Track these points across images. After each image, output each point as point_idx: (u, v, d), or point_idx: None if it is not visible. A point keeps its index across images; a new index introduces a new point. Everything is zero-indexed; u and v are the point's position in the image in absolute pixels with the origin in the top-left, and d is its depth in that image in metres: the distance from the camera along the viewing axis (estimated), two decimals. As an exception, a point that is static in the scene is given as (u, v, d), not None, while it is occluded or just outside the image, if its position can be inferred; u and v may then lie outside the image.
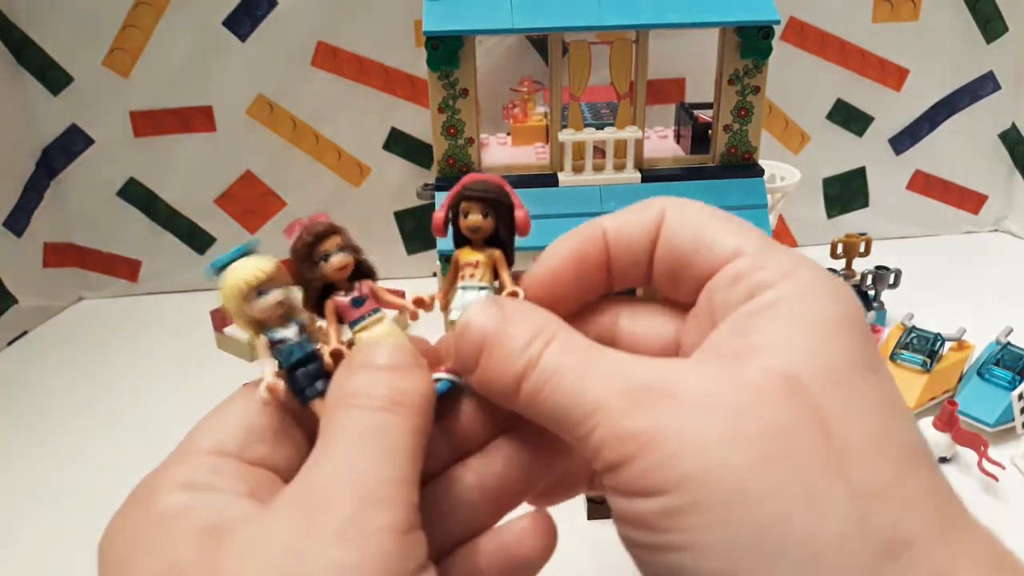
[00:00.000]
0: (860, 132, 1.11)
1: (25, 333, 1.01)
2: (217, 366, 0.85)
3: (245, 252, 0.28)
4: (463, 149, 0.77)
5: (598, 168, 0.78)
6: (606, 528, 0.67)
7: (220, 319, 0.93)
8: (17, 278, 1.00)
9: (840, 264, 0.92)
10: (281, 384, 0.26)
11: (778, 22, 0.73)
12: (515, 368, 0.24)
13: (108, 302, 1.09)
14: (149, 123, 1.01)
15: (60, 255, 1.07)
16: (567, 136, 0.76)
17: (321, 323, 0.29)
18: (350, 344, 0.28)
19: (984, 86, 1.10)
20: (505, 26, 0.72)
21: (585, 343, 0.24)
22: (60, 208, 1.04)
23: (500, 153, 0.86)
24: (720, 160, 0.79)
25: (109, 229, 1.07)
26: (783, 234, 1.15)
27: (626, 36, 0.75)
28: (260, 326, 0.27)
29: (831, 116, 1.09)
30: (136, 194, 1.05)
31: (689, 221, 0.27)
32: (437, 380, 0.27)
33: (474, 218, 0.30)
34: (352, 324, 0.28)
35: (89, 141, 1.01)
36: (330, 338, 0.28)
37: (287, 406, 0.27)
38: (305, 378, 0.27)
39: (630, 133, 0.77)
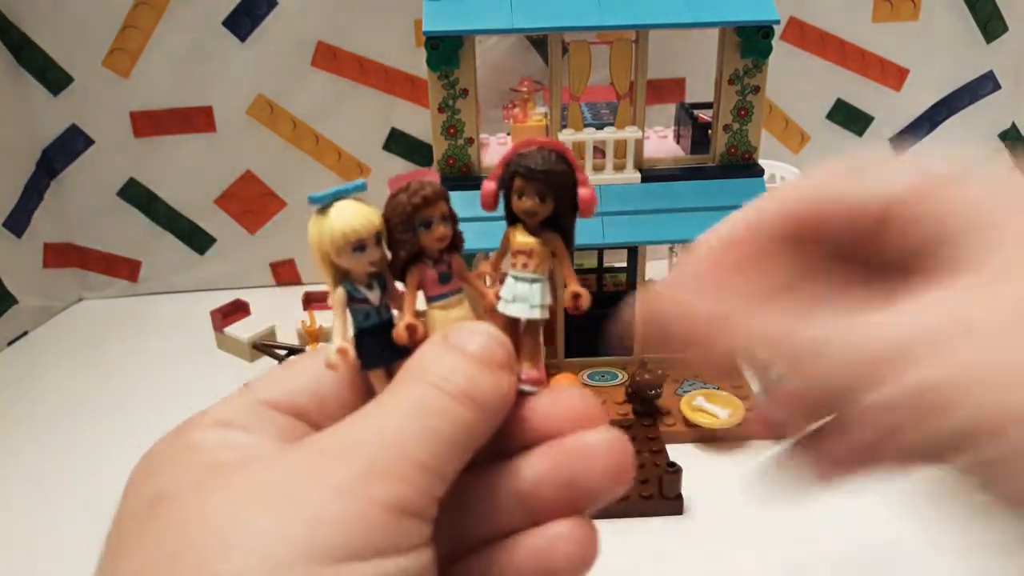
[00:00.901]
0: (860, 132, 1.11)
1: (25, 333, 1.01)
2: (217, 366, 0.85)
3: (353, 192, 0.25)
4: (463, 149, 0.77)
5: (598, 168, 0.78)
6: (606, 527, 0.67)
7: (220, 319, 0.93)
8: (17, 278, 1.00)
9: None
10: (352, 349, 0.25)
11: (778, 22, 0.73)
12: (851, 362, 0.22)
13: (108, 302, 1.09)
14: (149, 123, 1.01)
15: (60, 255, 1.06)
16: (567, 136, 0.76)
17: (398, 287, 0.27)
18: (419, 318, 0.26)
19: (984, 86, 1.10)
20: (505, 26, 0.72)
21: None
22: (60, 208, 1.04)
23: (500, 153, 0.86)
24: (720, 160, 0.79)
25: (109, 229, 1.07)
26: (783, 234, 1.15)
27: (626, 36, 0.75)
28: (343, 277, 0.25)
29: (831, 116, 1.09)
30: (136, 194, 1.05)
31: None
32: (521, 388, 0.25)
33: (529, 201, 0.26)
34: (432, 299, 0.26)
35: (89, 141, 1.01)
36: (406, 309, 0.26)
37: (349, 373, 0.25)
38: (373, 345, 0.25)
39: (630, 133, 0.77)
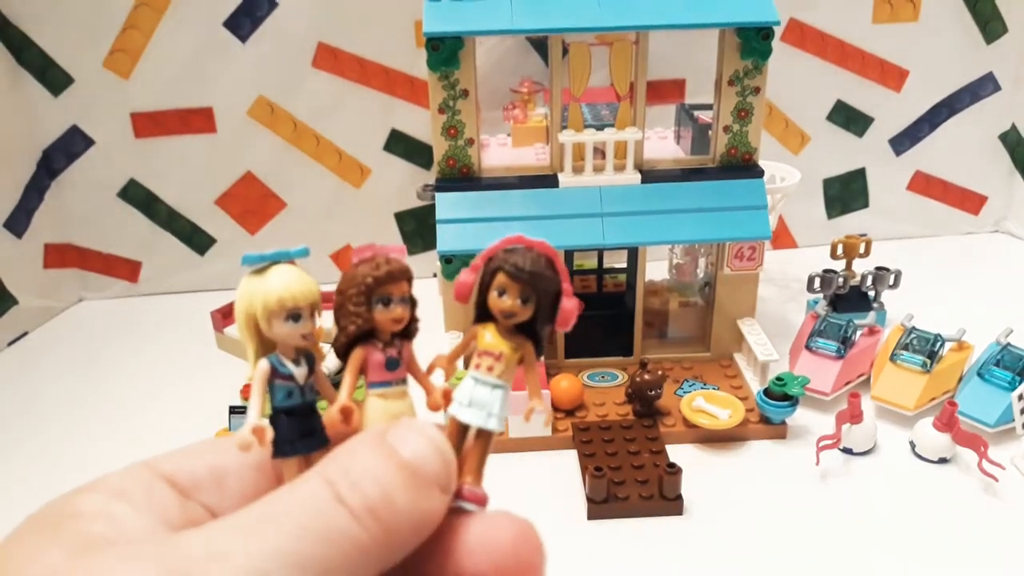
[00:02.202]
0: (860, 133, 1.11)
1: (25, 334, 1.01)
2: (217, 366, 0.85)
3: (291, 258, 0.24)
4: (463, 150, 0.77)
5: (598, 169, 0.78)
6: (606, 527, 0.68)
7: (220, 319, 0.93)
8: (17, 279, 1.00)
9: (840, 265, 0.92)
10: (268, 430, 0.22)
11: (778, 23, 0.73)
12: None
13: (108, 303, 1.09)
14: (149, 124, 1.01)
15: (60, 256, 1.06)
16: (567, 137, 0.76)
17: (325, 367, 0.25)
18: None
19: (984, 87, 1.10)
20: (505, 27, 0.72)
21: None
22: (60, 209, 1.04)
23: (500, 154, 0.86)
24: (720, 161, 0.79)
25: (109, 230, 1.07)
26: (783, 235, 1.15)
27: (626, 37, 0.75)
28: (268, 348, 0.23)
29: (831, 117, 1.09)
30: (136, 195, 1.05)
31: None
32: (458, 505, 0.23)
33: (510, 302, 0.24)
34: (372, 384, 0.24)
35: (89, 142, 1.01)
36: (343, 391, 0.23)
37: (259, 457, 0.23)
38: (292, 428, 0.23)
39: (630, 134, 0.77)
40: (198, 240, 1.08)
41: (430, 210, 0.79)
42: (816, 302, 0.90)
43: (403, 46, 0.99)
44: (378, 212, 1.08)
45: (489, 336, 0.24)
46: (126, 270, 1.09)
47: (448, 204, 0.76)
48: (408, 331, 0.25)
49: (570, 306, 0.24)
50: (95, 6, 0.95)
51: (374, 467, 0.20)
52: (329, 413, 0.23)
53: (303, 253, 0.24)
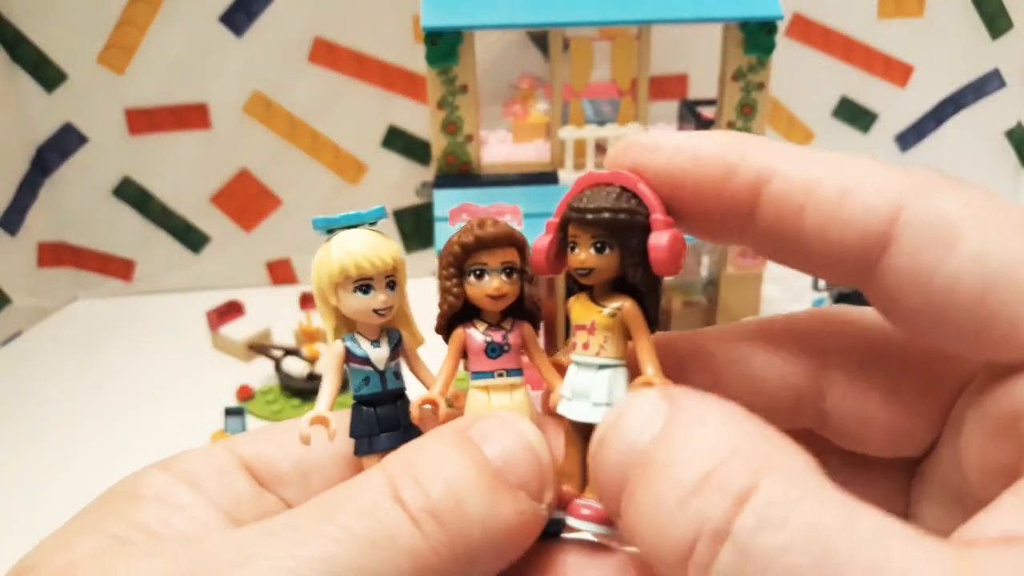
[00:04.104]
0: (865, 129, 1.10)
1: (19, 333, 1.00)
2: (213, 366, 0.84)
3: (369, 219, 0.21)
4: (462, 146, 0.76)
5: (600, 166, 0.77)
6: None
7: (216, 319, 0.92)
8: (11, 278, 0.99)
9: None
10: (332, 421, 0.19)
11: (781, 18, 0.72)
12: (683, 527, 0.14)
13: (103, 302, 1.08)
14: (144, 121, 1.00)
15: (54, 254, 1.05)
16: (568, 133, 0.75)
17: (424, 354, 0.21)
18: (453, 400, 0.21)
19: (990, 83, 1.09)
20: (505, 21, 0.71)
21: (834, 496, 0.14)
22: (54, 207, 1.03)
23: (500, 150, 0.85)
24: (724, 157, 0.78)
25: (103, 228, 1.05)
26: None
27: (628, 32, 0.75)
28: (345, 325, 0.21)
29: (836, 113, 1.08)
30: (131, 193, 1.04)
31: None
32: (563, 520, 0.19)
33: (583, 254, 0.19)
34: (475, 375, 0.20)
35: (83, 139, 1.00)
36: (435, 379, 0.20)
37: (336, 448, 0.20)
38: (370, 421, 0.20)
39: (632, 130, 0.76)
40: (193, 238, 1.07)
41: (429, 208, 0.78)
42: (821, 301, 0.89)
43: (401, 41, 0.97)
44: (376, 210, 1.07)
45: (576, 308, 0.20)
46: (120, 269, 1.08)
47: (447, 201, 0.75)
48: (523, 311, 0.20)
49: (663, 241, 0.18)
50: (89, 1, 0.93)
51: (444, 462, 0.17)
52: (411, 408, 0.20)
53: (378, 214, 0.21)
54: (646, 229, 0.19)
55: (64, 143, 1.00)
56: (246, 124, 1.01)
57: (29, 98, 0.97)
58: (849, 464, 0.20)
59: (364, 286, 0.20)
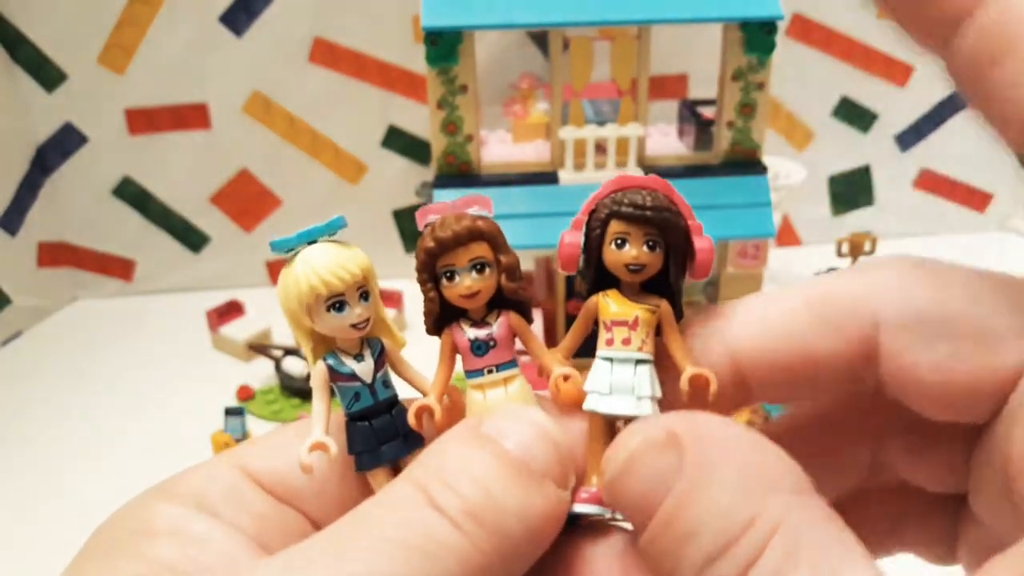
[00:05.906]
0: (865, 129, 1.10)
1: (19, 333, 1.00)
2: (213, 366, 0.84)
3: (328, 231, 0.20)
4: (462, 146, 0.76)
5: (600, 166, 0.77)
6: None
7: (215, 319, 0.92)
8: (11, 278, 0.99)
9: (845, 263, 0.91)
10: (332, 445, 0.19)
11: (782, 18, 0.72)
12: (703, 550, 0.15)
13: (103, 302, 1.08)
14: (144, 121, 1.00)
15: (54, 255, 1.05)
16: (568, 133, 0.75)
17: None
18: (452, 404, 0.20)
19: (990, 83, 1.09)
20: (505, 21, 0.71)
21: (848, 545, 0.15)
22: (54, 207, 1.03)
23: (500, 151, 0.85)
24: (723, 158, 0.78)
25: (103, 228, 1.05)
26: (787, 232, 1.14)
27: (628, 32, 0.74)
28: (323, 345, 0.20)
29: (836, 113, 1.08)
30: (130, 193, 1.04)
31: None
32: (576, 511, 0.19)
33: (635, 251, 0.19)
34: (469, 375, 0.20)
35: (83, 139, 1.00)
36: (427, 382, 0.20)
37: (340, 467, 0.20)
38: (367, 436, 0.19)
39: (632, 130, 0.76)
40: (192, 238, 1.07)
41: (428, 208, 0.78)
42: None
43: (401, 41, 0.97)
44: (376, 209, 1.07)
45: (614, 304, 0.20)
46: (120, 269, 1.08)
47: (447, 202, 0.75)
48: (502, 300, 0.20)
49: (707, 244, 0.20)
50: (89, 2, 0.93)
51: (470, 463, 0.17)
52: (409, 418, 0.19)
53: (336, 225, 0.20)
54: (687, 232, 0.20)
55: (64, 143, 1.00)
56: (246, 124, 1.01)
57: (29, 98, 0.97)
58: (914, 431, 0.21)
59: (337, 303, 0.19)
